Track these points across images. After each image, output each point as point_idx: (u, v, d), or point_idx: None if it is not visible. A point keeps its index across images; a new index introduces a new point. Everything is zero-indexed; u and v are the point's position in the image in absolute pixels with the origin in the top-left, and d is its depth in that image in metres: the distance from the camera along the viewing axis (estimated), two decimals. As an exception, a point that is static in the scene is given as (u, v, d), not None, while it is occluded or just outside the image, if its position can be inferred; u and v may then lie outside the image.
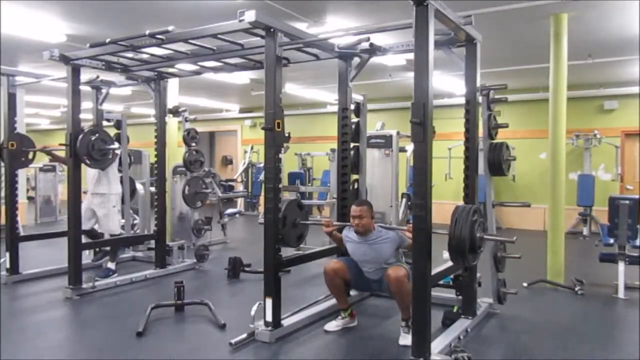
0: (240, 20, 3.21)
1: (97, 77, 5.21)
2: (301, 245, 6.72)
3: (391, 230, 3.75)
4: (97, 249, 5.79)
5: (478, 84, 3.81)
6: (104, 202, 5.27)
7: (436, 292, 3.71)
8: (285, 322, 3.62)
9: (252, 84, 9.00)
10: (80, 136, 4.62)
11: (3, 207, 5.56)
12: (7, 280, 5.12)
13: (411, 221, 3.02)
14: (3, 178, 6.12)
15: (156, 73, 5.38)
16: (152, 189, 6.46)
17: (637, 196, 4.69)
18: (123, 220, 5.78)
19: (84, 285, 4.64)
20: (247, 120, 13.01)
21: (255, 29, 3.39)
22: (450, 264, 3.70)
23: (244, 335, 3.44)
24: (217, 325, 3.78)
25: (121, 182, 6.00)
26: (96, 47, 4.12)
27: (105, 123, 5.80)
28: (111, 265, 5.33)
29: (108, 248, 5.49)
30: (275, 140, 3.45)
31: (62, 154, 5.22)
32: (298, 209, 3.80)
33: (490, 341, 3.60)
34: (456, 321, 3.73)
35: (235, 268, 5.39)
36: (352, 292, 4.33)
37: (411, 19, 2.83)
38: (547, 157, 5.38)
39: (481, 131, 3.98)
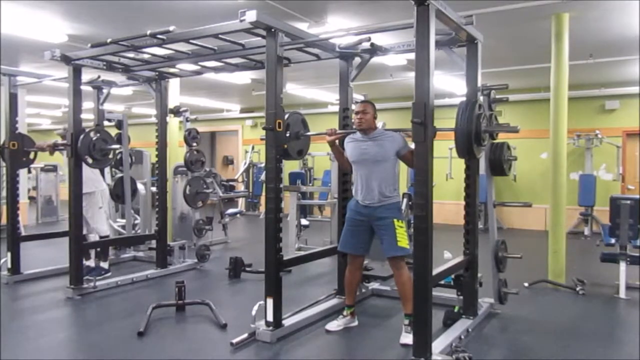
0: (242, 20, 3.21)
1: (98, 77, 5.21)
2: (302, 246, 6.79)
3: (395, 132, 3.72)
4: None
5: (479, 83, 3.81)
6: (90, 203, 5.23)
7: (437, 292, 3.71)
8: (286, 322, 3.62)
9: (253, 84, 9.01)
10: (82, 136, 4.63)
11: (4, 207, 5.57)
12: (8, 280, 5.12)
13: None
14: (4, 178, 6.14)
15: (157, 73, 5.39)
16: (153, 189, 6.47)
17: (638, 196, 4.67)
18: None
19: (85, 285, 4.65)
20: (248, 120, 13.01)
21: (256, 29, 3.39)
22: (451, 263, 3.71)
23: (245, 335, 3.44)
24: (218, 325, 3.78)
25: (121, 181, 6.03)
26: (97, 47, 4.13)
27: (106, 123, 5.81)
28: (104, 265, 5.33)
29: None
30: (277, 140, 3.45)
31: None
32: (302, 124, 3.78)
33: (492, 341, 3.59)
34: (457, 321, 3.73)
35: (236, 268, 5.39)
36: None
37: (412, 18, 2.83)
38: (548, 157, 5.38)
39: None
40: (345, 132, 3.95)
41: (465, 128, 3.04)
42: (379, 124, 6.73)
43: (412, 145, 3.30)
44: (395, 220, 3.52)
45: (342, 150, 3.83)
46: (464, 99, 3.41)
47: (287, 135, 3.58)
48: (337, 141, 3.83)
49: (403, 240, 3.49)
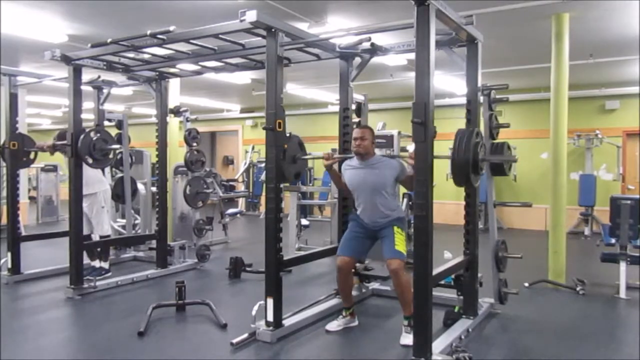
0: (242, 20, 3.21)
1: (99, 77, 5.21)
2: (302, 246, 6.79)
3: (392, 158, 3.74)
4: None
5: (479, 83, 3.81)
6: (93, 203, 5.24)
7: (437, 292, 3.70)
8: (287, 322, 3.62)
9: (253, 84, 9.01)
10: (82, 136, 4.63)
11: (4, 207, 5.57)
12: (8, 280, 5.12)
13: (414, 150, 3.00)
14: (4, 178, 6.14)
15: (157, 73, 5.39)
16: (154, 189, 6.47)
17: (638, 196, 4.68)
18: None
19: (85, 285, 4.65)
20: (248, 120, 13.01)
21: (257, 29, 3.39)
22: (451, 263, 3.72)
23: (245, 335, 3.44)
24: (218, 325, 3.78)
25: (121, 181, 6.03)
26: (97, 47, 4.13)
27: (106, 123, 5.81)
28: (104, 265, 5.33)
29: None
30: (277, 140, 3.45)
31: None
32: (299, 147, 3.78)
33: (492, 341, 3.59)
34: (457, 321, 3.73)
35: (237, 268, 5.39)
36: (353, 292, 4.32)
37: (412, 18, 2.82)
38: (549, 157, 5.38)
39: (482, 131, 3.98)
40: (342, 156, 4.00)
41: (462, 157, 2.97)
42: (380, 124, 6.79)
43: (410, 170, 3.35)
44: (396, 227, 3.60)
45: (340, 174, 3.86)
46: (463, 127, 3.33)
47: (284, 159, 3.56)
48: (334, 165, 3.85)
49: (400, 244, 3.53)
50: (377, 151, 5.97)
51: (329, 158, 3.77)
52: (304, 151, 3.88)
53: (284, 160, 3.53)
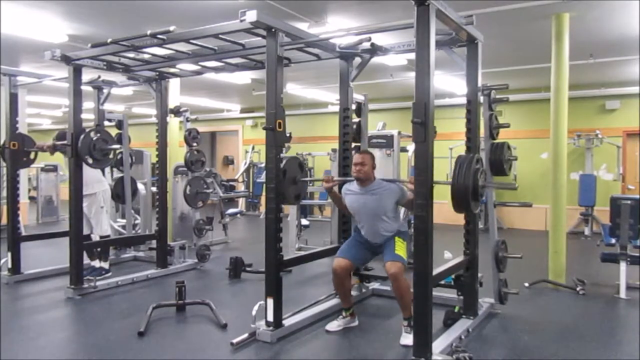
0: (242, 20, 3.21)
1: (99, 77, 5.21)
2: (302, 246, 6.79)
3: (392, 182, 3.76)
4: None
5: (479, 83, 3.81)
6: (92, 203, 5.24)
7: (437, 292, 3.71)
8: (287, 322, 3.62)
9: (254, 84, 9.01)
10: (82, 136, 4.63)
11: (5, 207, 5.56)
12: (8, 280, 5.12)
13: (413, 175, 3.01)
14: (5, 178, 6.13)
15: (157, 73, 5.39)
16: (154, 189, 6.47)
17: (638, 196, 4.67)
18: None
19: (85, 285, 4.65)
20: (248, 120, 13.01)
21: (257, 29, 3.39)
22: (451, 263, 3.71)
23: (245, 335, 3.44)
24: (219, 325, 3.78)
25: (121, 181, 6.03)
26: (98, 47, 4.13)
27: (106, 123, 5.81)
28: (104, 265, 5.33)
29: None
30: (277, 140, 3.45)
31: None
32: (299, 168, 3.78)
33: (492, 341, 3.59)
34: (457, 321, 3.73)
35: (237, 268, 5.39)
36: (354, 292, 4.33)
37: (412, 18, 2.83)
38: (549, 157, 5.37)
39: (482, 131, 3.98)
40: (341, 179, 4.01)
41: (462, 184, 2.94)
42: (379, 124, 6.79)
43: (410, 194, 3.38)
44: (396, 237, 3.64)
45: (339, 195, 3.89)
46: (463, 153, 3.29)
47: (284, 180, 3.57)
48: (334, 187, 3.87)
49: (401, 250, 3.55)
50: (377, 152, 6.05)
51: (329, 181, 3.83)
52: (304, 172, 3.90)
53: (284, 181, 3.54)
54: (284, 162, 3.58)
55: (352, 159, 3.78)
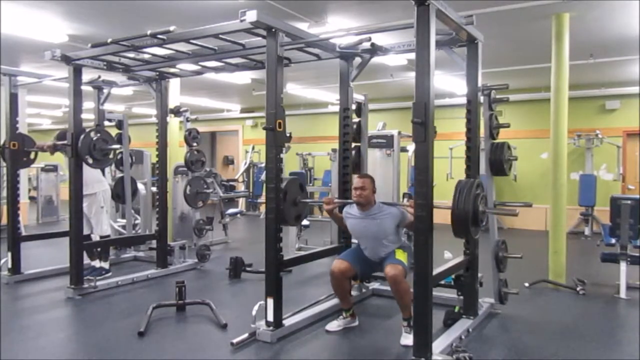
0: (242, 20, 3.21)
1: (99, 77, 5.21)
2: (302, 246, 6.79)
3: (393, 206, 3.76)
4: None
5: (479, 83, 3.81)
6: (92, 203, 5.24)
7: (437, 292, 3.71)
8: (287, 322, 3.62)
9: (254, 83, 9.01)
10: (82, 136, 4.63)
11: (5, 207, 5.56)
12: (8, 280, 5.12)
13: (412, 196, 3.01)
14: (5, 178, 6.13)
15: (157, 73, 5.39)
16: (154, 189, 6.47)
17: (638, 196, 4.67)
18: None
19: (86, 285, 4.65)
20: (248, 120, 13.01)
21: (257, 29, 3.39)
22: (451, 263, 3.71)
23: (245, 335, 3.44)
24: (219, 325, 3.78)
25: (121, 181, 6.03)
26: (98, 47, 4.13)
27: (106, 123, 5.81)
28: (104, 265, 5.33)
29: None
30: (277, 140, 3.45)
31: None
32: (299, 189, 3.77)
33: (492, 341, 3.59)
34: (458, 321, 3.73)
35: (237, 268, 5.39)
36: (354, 292, 4.33)
37: (412, 18, 2.82)
38: (549, 157, 5.37)
39: (482, 131, 3.98)
40: (342, 201, 4.02)
41: (462, 209, 2.93)
42: (380, 124, 6.79)
43: (410, 217, 3.38)
44: (397, 249, 3.64)
45: (340, 215, 3.89)
46: (463, 179, 3.28)
47: (285, 201, 3.55)
48: (335, 209, 3.88)
49: (401, 256, 3.57)
50: (377, 152, 6.05)
51: (329, 203, 3.84)
52: (305, 192, 3.88)
53: (285, 203, 3.54)
54: (284, 183, 3.55)
55: (352, 183, 3.76)
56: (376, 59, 4.41)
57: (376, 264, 3.75)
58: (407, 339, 3.31)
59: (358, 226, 3.73)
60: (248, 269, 5.45)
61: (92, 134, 4.78)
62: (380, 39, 4.05)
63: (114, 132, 5.57)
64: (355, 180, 3.74)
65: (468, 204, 2.93)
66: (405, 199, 5.63)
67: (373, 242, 3.68)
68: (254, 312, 3.52)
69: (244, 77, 8.42)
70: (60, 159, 7.74)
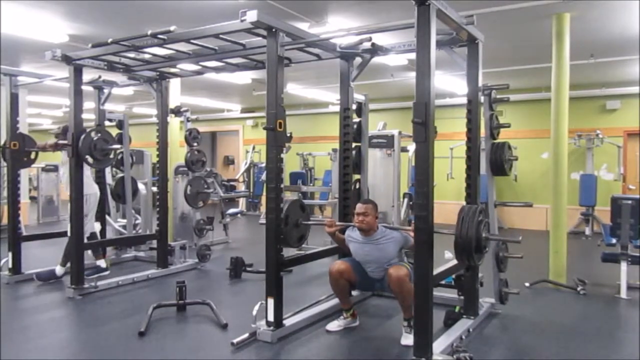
0: (242, 20, 3.21)
1: (99, 77, 5.21)
2: (303, 245, 6.77)
3: (395, 230, 3.75)
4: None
5: (480, 83, 3.81)
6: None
7: (438, 292, 3.71)
8: (287, 322, 3.62)
9: (254, 84, 9.01)
10: (83, 136, 4.63)
11: (5, 207, 5.56)
12: (9, 280, 5.13)
13: (414, 221, 3.03)
14: (5, 178, 6.13)
15: (158, 73, 5.39)
16: (154, 188, 6.47)
17: (639, 196, 4.67)
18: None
19: (86, 285, 4.65)
20: (248, 120, 13.02)
21: (257, 29, 3.39)
22: (452, 263, 3.71)
23: (246, 335, 3.44)
24: (219, 325, 3.78)
25: (122, 181, 6.03)
26: (98, 47, 4.13)
27: (107, 123, 5.81)
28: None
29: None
30: (277, 140, 3.45)
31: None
32: (300, 210, 3.79)
33: (492, 341, 3.59)
34: (458, 321, 3.73)
35: (237, 268, 5.39)
36: (354, 292, 4.33)
37: (413, 18, 2.82)
38: (549, 157, 5.37)
39: (483, 131, 3.98)
40: (344, 224, 4.01)
41: (466, 236, 2.96)
42: (380, 124, 6.79)
43: (412, 241, 3.40)
44: (397, 262, 3.62)
45: (342, 237, 3.89)
46: (467, 205, 3.31)
47: (287, 224, 3.56)
48: (337, 232, 3.88)
49: (404, 265, 3.55)
50: (378, 152, 6.04)
51: (331, 225, 3.85)
52: (307, 214, 3.89)
53: (287, 225, 3.54)
54: (285, 206, 3.55)
55: (354, 209, 3.74)
56: (377, 59, 4.41)
57: (376, 281, 3.74)
58: (408, 339, 3.31)
59: (360, 250, 3.73)
60: (248, 269, 5.45)
61: (92, 134, 4.78)
62: (380, 39, 4.05)
63: (114, 132, 5.57)
64: (358, 205, 3.71)
65: (471, 231, 2.95)
66: (406, 199, 5.62)
67: (376, 266, 3.68)
68: (254, 312, 3.52)
69: (245, 77, 8.42)
70: (59, 159, 7.72)
